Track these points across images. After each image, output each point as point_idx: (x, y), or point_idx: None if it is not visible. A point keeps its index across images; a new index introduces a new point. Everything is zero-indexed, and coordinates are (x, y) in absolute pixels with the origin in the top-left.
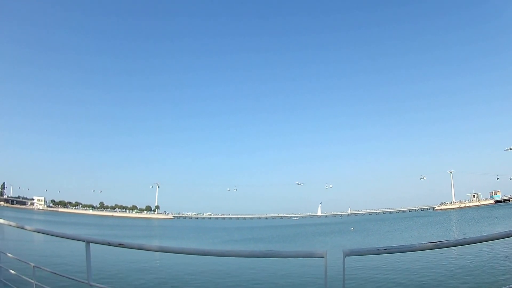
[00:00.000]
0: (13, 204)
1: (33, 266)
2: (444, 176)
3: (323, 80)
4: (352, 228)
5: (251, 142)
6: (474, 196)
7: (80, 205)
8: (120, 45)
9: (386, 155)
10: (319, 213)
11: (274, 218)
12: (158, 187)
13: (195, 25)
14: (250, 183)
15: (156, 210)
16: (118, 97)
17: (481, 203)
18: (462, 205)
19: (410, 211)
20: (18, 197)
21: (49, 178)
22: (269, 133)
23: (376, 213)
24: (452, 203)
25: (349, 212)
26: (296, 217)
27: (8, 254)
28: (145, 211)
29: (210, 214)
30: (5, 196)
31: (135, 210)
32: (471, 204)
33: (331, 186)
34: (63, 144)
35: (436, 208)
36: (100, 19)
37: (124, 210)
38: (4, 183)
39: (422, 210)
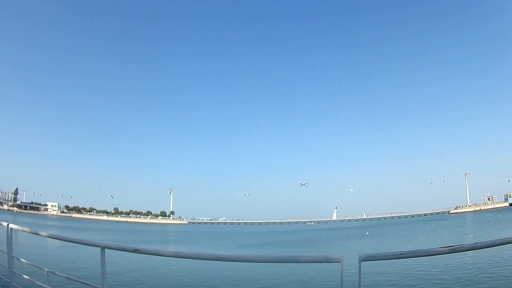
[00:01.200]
0: (26, 209)
1: (47, 271)
2: (459, 179)
3: (329, 84)
4: (367, 233)
5: (265, 147)
6: (489, 199)
7: (94, 211)
8: (127, 48)
9: (401, 159)
10: (334, 218)
11: (289, 223)
12: (172, 192)
13: (203, 28)
14: (266, 187)
15: (171, 215)
16: (131, 102)
17: (496, 206)
18: (477, 209)
19: (425, 215)
20: (32, 202)
21: (63, 184)
22: (283, 138)
23: (392, 217)
24: (467, 206)
25: (364, 216)
26: (311, 222)
27: (22, 260)
28: (160, 217)
29: (225, 220)
30: (18, 202)
31: (150, 216)
32: (486, 207)
33: (352, 190)
34: (76, 150)
35: (451, 212)
36: (109, 22)
37: (138, 215)
38: (17, 188)
39: (437, 214)
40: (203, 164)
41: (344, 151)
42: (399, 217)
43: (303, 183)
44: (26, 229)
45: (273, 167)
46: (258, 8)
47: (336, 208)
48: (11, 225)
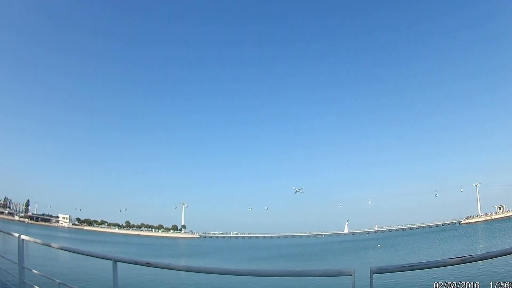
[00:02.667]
0: (37, 221)
1: (59, 283)
2: (470, 189)
3: (335, 100)
4: (379, 245)
5: (274, 165)
6: (499, 208)
7: (106, 224)
8: (130, 52)
9: (412, 171)
10: (346, 230)
11: (300, 236)
12: (183, 206)
13: (216, 33)
14: (281, 202)
15: (183, 229)
16: (143, 122)
17: (507, 215)
18: (488, 218)
19: (436, 226)
20: (43, 214)
21: (75, 197)
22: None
23: (403, 229)
24: (478, 216)
25: (376, 229)
26: (322, 235)
27: (33, 270)
28: (171, 230)
29: (236, 233)
30: (30, 213)
31: (161, 229)
32: (497, 216)
33: (370, 202)
34: (89, 166)
35: (462, 222)
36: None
37: (150, 229)
38: (28, 200)
39: (448, 224)
40: (214, 179)
41: (353, 163)
42: (410, 228)
43: (297, 190)
44: (38, 240)
45: (285, 184)
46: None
47: (348, 221)
48: (22, 236)
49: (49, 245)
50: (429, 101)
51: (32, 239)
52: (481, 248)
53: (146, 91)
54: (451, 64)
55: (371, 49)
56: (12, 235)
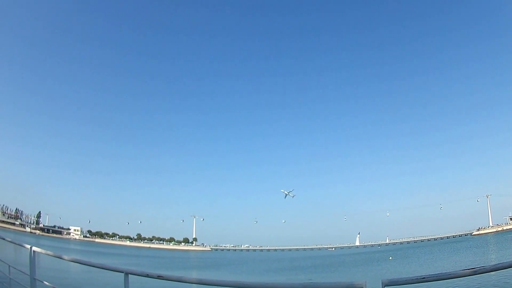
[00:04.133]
0: (48, 233)
1: None
2: (481, 201)
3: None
4: (390, 257)
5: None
6: (511, 219)
7: (117, 236)
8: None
9: (423, 183)
10: (357, 243)
11: (312, 249)
12: (195, 218)
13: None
14: (299, 214)
15: (194, 242)
16: (154, 136)
17: None
18: (500, 229)
19: (448, 237)
20: (54, 226)
21: (86, 209)
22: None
23: (415, 241)
24: (490, 227)
25: (387, 241)
26: (332, 248)
27: (45, 282)
28: (183, 243)
29: (248, 246)
30: (41, 225)
31: (173, 242)
32: (508, 227)
33: (388, 214)
34: (102, 179)
35: (474, 233)
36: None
37: (161, 242)
38: (40, 212)
39: (460, 236)
40: (226, 192)
41: (363, 176)
42: (421, 240)
43: (287, 193)
44: (49, 252)
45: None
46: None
47: (359, 233)
48: (34, 248)
49: (60, 257)
50: (439, 114)
51: (43, 251)
52: (492, 259)
53: (159, 104)
54: (462, 77)
55: (387, 60)
56: (24, 246)
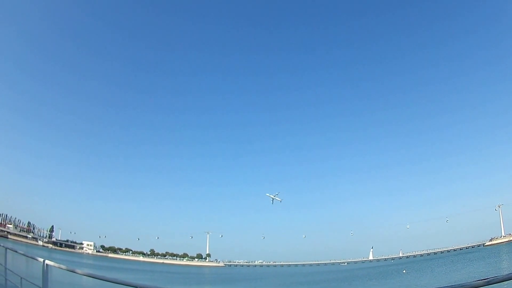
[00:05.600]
0: (61, 247)
1: None
2: (492, 211)
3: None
4: (404, 271)
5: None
6: None
7: (130, 252)
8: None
9: (433, 195)
10: (371, 257)
11: (325, 264)
12: (208, 234)
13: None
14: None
15: (207, 258)
16: (168, 151)
17: None
18: None
19: (461, 249)
20: (67, 240)
21: (99, 224)
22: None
23: (428, 254)
24: (502, 237)
25: (400, 254)
26: (344, 262)
27: None
28: (196, 259)
29: (261, 262)
30: (54, 239)
31: (186, 258)
32: None
33: (408, 226)
34: (115, 193)
35: (486, 244)
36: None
37: (175, 257)
38: (52, 226)
39: (472, 247)
40: (239, 207)
41: (374, 190)
42: (435, 253)
43: (273, 196)
44: (62, 266)
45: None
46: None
47: (372, 247)
48: (47, 261)
49: (73, 271)
50: (446, 126)
51: (56, 265)
52: (505, 268)
53: (171, 119)
54: (472, 85)
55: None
56: (37, 259)
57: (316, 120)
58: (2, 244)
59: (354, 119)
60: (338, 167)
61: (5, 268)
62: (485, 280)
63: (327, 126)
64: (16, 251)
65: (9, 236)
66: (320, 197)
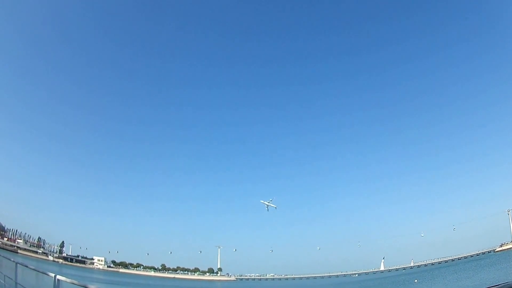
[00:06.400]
0: (72, 262)
1: None
2: (502, 216)
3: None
4: (416, 280)
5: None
6: None
7: (141, 267)
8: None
9: (441, 202)
10: (382, 268)
11: (337, 276)
12: (219, 248)
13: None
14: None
15: (219, 272)
16: (183, 162)
17: None
18: None
19: (471, 256)
20: (78, 256)
21: (110, 239)
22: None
23: (439, 262)
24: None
25: (411, 264)
26: (355, 274)
27: None
28: (208, 273)
29: (273, 275)
30: (64, 254)
31: (197, 272)
32: None
33: (422, 235)
34: (125, 208)
35: (496, 250)
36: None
37: (186, 272)
38: (63, 241)
39: (483, 253)
40: (249, 221)
41: (381, 201)
42: (446, 261)
43: (267, 203)
44: (74, 281)
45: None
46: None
47: (384, 258)
48: (58, 276)
49: (85, 286)
50: (455, 132)
51: (68, 280)
52: None
53: (182, 134)
54: (480, 89)
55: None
56: (48, 274)
57: (323, 131)
58: (12, 259)
59: (361, 129)
60: (346, 178)
61: (16, 283)
62: (496, 286)
63: (335, 137)
64: (26, 266)
65: (19, 251)
66: (328, 209)
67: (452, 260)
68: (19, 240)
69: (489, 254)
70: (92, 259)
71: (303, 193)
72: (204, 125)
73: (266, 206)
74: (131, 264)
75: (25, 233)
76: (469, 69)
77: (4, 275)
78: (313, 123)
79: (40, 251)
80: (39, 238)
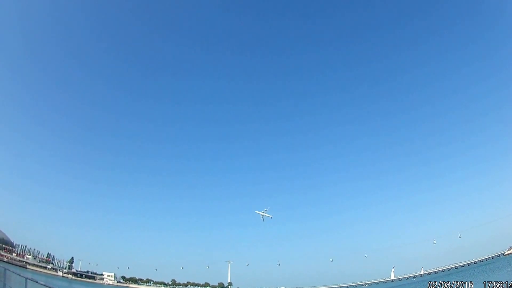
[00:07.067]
0: (81, 278)
1: None
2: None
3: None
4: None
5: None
6: None
7: (152, 282)
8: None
9: (451, 206)
10: (392, 277)
11: (347, 287)
12: (229, 263)
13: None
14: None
15: (229, 286)
16: (195, 176)
17: None
18: None
19: (481, 261)
20: (87, 271)
21: (120, 255)
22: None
23: (449, 269)
24: None
25: (422, 272)
26: (365, 284)
27: None
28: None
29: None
30: (74, 270)
31: (208, 287)
32: None
33: (434, 242)
34: (136, 223)
35: (506, 253)
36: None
37: (196, 287)
38: (72, 257)
39: (492, 258)
40: (259, 234)
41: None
42: (456, 267)
43: (262, 213)
44: None
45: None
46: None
47: (394, 267)
48: None
49: None
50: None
51: None
52: None
53: (188, 149)
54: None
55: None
56: None
57: (330, 143)
58: (22, 274)
59: (369, 141)
60: (352, 190)
61: None
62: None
63: (341, 149)
64: (36, 282)
65: (28, 267)
66: (334, 220)
67: (462, 266)
68: (28, 256)
69: (499, 258)
70: (102, 274)
71: (310, 206)
72: (211, 139)
73: (261, 216)
74: (141, 280)
75: (34, 249)
76: (463, 77)
77: None
78: (321, 134)
79: (49, 267)
80: (48, 253)
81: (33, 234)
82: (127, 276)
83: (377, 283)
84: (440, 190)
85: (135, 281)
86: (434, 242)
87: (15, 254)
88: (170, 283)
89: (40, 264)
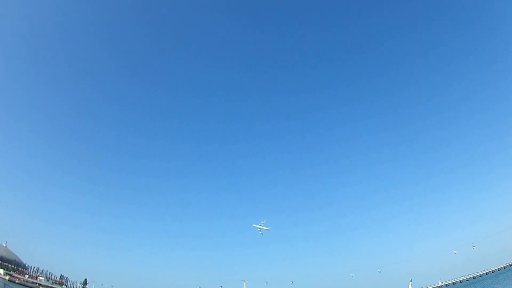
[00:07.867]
0: None
1: None
2: None
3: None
4: None
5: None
6: None
7: None
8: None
9: (463, 217)
10: None
11: None
12: (245, 283)
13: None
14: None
15: None
16: (207, 195)
17: None
18: None
19: (499, 269)
20: None
21: (134, 276)
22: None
23: (467, 279)
24: None
25: (440, 283)
26: None
27: None
28: None
29: None
30: None
31: None
32: None
33: (455, 252)
34: (150, 244)
35: None
36: None
37: None
38: (86, 279)
39: (510, 266)
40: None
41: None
42: (474, 277)
43: (260, 226)
44: None
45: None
46: None
47: (411, 280)
48: None
49: None
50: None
51: None
52: None
53: (199, 169)
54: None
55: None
56: None
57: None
58: None
59: (375, 156)
60: (365, 204)
61: None
62: None
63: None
64: None
65: None
66: (346, 237)
67: (480, 275)
68: (40, 278)
69: None
70: None
71: (321, 223)
72: (221, 157)
73: (259, 230)
74: None
75: (47, 271)
76: (468, 86)
77: None
78: (331, 150)
79: None
80: (61, 275)
81: (46, 256)
82: None
83: None
84: (450, 203)
85: None
86: (455, 252)
87: (27, 276)
88: None
89: (53, 286)
